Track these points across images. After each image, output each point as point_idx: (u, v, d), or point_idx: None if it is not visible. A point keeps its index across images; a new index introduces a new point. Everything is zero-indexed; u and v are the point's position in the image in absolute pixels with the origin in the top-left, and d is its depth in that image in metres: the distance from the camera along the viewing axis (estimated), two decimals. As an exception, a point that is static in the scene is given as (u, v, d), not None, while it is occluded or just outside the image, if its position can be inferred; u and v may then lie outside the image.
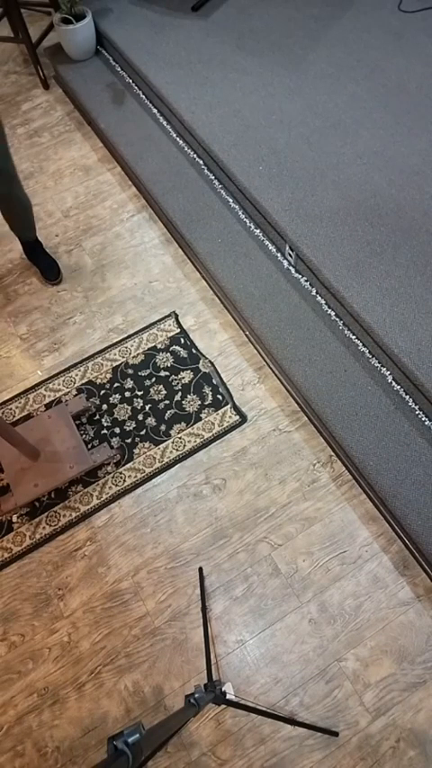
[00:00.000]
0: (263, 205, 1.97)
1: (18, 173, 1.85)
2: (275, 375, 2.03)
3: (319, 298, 1.95)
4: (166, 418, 1.99)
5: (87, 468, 1.86)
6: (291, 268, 2.03)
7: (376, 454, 1.66)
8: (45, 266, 2.30)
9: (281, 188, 1.99)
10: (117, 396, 2.05)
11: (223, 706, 1.47)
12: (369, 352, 1.82)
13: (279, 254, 2.06)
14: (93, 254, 2.39)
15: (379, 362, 1.79)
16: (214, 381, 2.05)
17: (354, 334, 1.86)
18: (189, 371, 2.08)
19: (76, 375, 2.11)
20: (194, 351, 2.12)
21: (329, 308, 1.92)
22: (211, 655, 1.54)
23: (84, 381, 2.10)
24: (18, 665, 1.64)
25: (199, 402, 2.01)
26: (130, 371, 2.10)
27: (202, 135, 2.18)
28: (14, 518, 1.85)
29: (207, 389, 2.04)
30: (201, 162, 2.33)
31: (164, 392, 2.04)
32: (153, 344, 2.14)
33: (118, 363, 2.12)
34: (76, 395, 2.06)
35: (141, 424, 1.99)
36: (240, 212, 2.18)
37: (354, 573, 1.69)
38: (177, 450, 1.93)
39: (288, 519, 1.78)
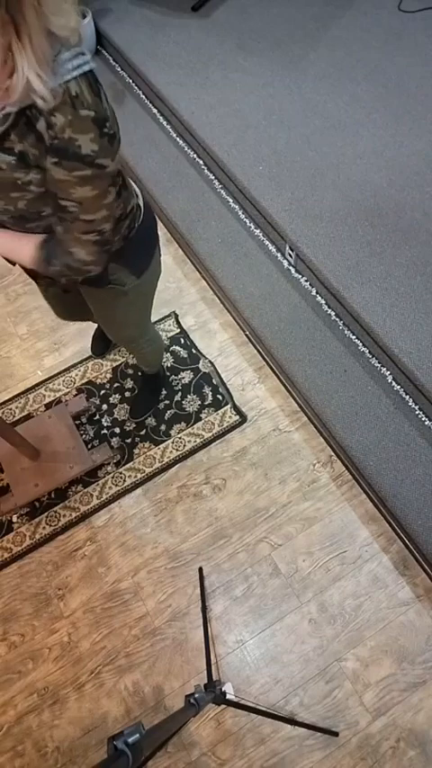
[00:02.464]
0: (263, 205, 1.97)
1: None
2: (275, 375, 2.03)
3: (319, 298, 1.95)
4: (166, 418, 1.99)
5: (87, 469, 1.86)
6: (291, 268, 2.03)
7: (376, 454, 1.66)
8: (138, 401, 2.01)
9: (281, 188, 1.99)
10: (117, 396, 2.05)
11: (223, 706, 1.47)
12: (369, 352, 1.82)
13: (279, 254, 2.06)
14: (93, 254, 2.39)
15: (379, 362, 1.79)
16: (214, 381, 2.05)
17: (354, 334, 1.86)
18: (189, 371, 2.08)
19: (76, 375, 2.11)
20: (194, 351, 2.12)
21: (329, 308, 1.92)
22: (211, 655, 1.54)
23: (84, 381, 2.09)
24: (18, 665, 1.64)
25: (199, 402, 2.01)
26: (130, 371, 2.10)
27: (202, 135, 2.18)
28: (14, 518, 1.85)
29: (207, 389, 2.04)
30: (201, 162, 2.33)
31: (164, 392, 2.04)
32: (153, 344, 2.14)
33: (118, 363, 2.12)
34: (76, 395, 2.06)
35: (141, 424, 1.98)
36: (240, 212, 2.18)
37: (354, 573, 1.69)
38: (177, 450, 1.93)
39: (288, 519, 1.78)
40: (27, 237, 0.98)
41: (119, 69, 2.73)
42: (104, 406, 2.03)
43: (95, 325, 2.16)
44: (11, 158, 0.80)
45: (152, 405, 2.00)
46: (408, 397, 1.73)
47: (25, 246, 0.98)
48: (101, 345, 2.12)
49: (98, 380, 2.09)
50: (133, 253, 1.12)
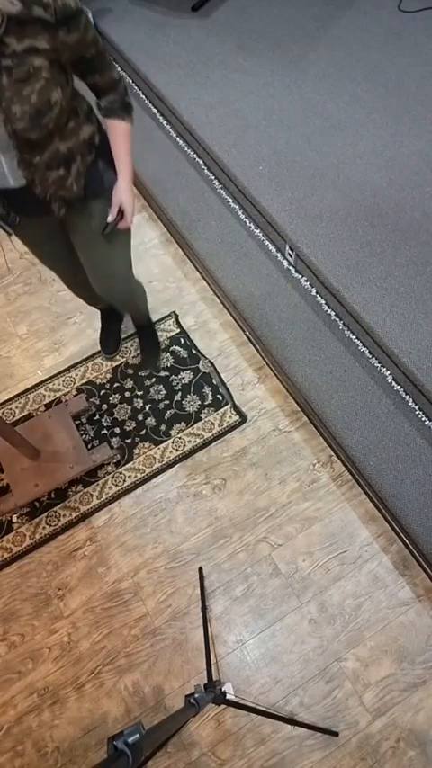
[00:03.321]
0: (263, 205, 1.97)
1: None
2: (275, 375, 2.03)
3: (319, 298, 1.95)
4: (166, 418, 1.99)
5: (87, 469, 1.86)
6: (291, 268, 2.03)
7: (376, 454, 1.66)
8: (146, 350, 2.09)
9: (281, 188, 1.99)
10: (117, 396, 2.05)
11: (223, 706, 1.47)
12: (369, 352, 1.82)
13: (279, 254, 2.06)
14: (93, 254, 2.39)
15: (379, 362, 1.79)
16: (214, 381, 2.05)
17: (354, 334, 1.86)
18: (189, 371, 2.08)
19: (76, 375, 2.11)
20: (194, 351, 2.12)
21: (329, 308, 1.92)
22: (211, 655, 1.54)
23: (84, 381, 2.10)
24: (18, 665, 1.64)
25: (199, 402, 2.01)
26: (130, 371, 2.10)
27: (202, 135, 2.18)
28: (14, 518, 1.85)
29: (207, 389, 2.04)
30: (201, 162, 2.33)
31: (164, 392, 2.04)
32: (153, 344, 2.14)
33: (118, 363, 2.12)
34: (76, 395, 2.06)
35: (141, 424, 1.99)
36: (240, 212, 2.18)
37: (354, 573, 1.69)
38: (177, 450, 1.93)
39: (288, 519, 1.78)
40: (114, 140, 1.29)
41: (118, 69, 2.73)
42: (104, 406, 2.03)
43: (97, 326, 2.17)
44: (15, 59, 0.99)
45: (158, 350, 2.10)
46: (408, 397, 1.73)
47: (121, 136, 1.30)
48: (111, 344, 2.12)
49: (98, 380, 2.09)
50: (110, 156, 1.33)
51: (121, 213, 1.31)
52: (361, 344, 1.84)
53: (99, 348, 2.13)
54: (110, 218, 1.30)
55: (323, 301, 1.94)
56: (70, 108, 1.15)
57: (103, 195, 1.32)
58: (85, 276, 1.62)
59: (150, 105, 2.56)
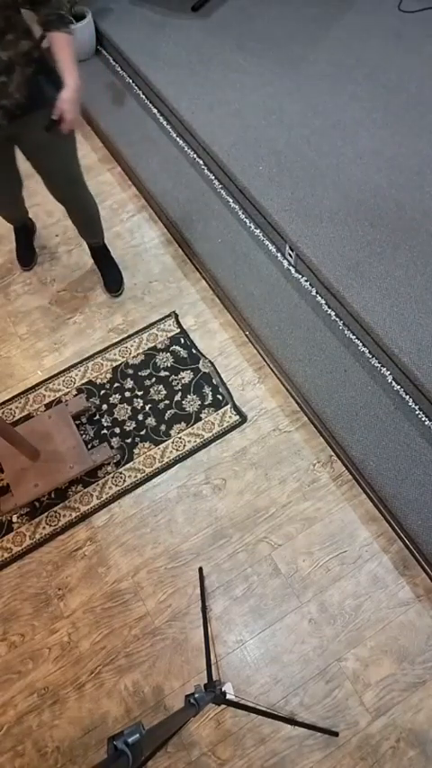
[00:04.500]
0: (263, 205, 1.97)
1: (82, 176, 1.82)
2: (275, 375, 2.03)
3: (319, 298, 1.95)
4: (166, 418, 1.99)
5: (87, 468, 1.85)
6: (291, 268, 2.03)
7: (376, 454, 1.66)
8: (108, 276, 2.25)
9: (281, 188, 1.99)
10: (117, 396, 2.05)
11: (223, 706, 1.47)
12: (369, 352, 1.82)
13: (279, 254, 2.06)
14: (93, 254, 2.39)
15: (379, 362, 1.79)
16: (214, 381, 2.05)
17: (354, 334, 1.86)
18: (189, 371, 2.08)
19: (76, 375, 2.11)
20: (194, 351, 2.12)
21: (329, 308, 1.92)
22: (211, 655, 1.54)
23: (84, 381, 2.10)
24: (18, 665, 1.64)
25: (199, 402, 2.01)
26: (130, 371, 2.10)
27: (202, 135, 2.18)
28: (14, 518, 1.85)
29: (207, 389, 2.04)
30: (201, 162, 2.33)
31: (164, 392, 2.04)
32: (153, 344, 2.14)
33: (118, 363, 2.12)
34: (76, 395, 2.05)
35: (141, 424, 1.99)
36: (240, 212, 2.18)
37: (354, 573, 1.69)
38: (177, 450, 1.93)
39: (288, 519, 1.78)
40: (57, 51, 1.40)
41: (119, 69, 2.73)
42: (104, 406, 2.03)
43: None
44: None
45: (119, 271, 2.26)
46: (408, 397, 1.73)
47: (60, 46, 1.39)
48: (28, 255, 2.31)
49: (98, 380, 2.09)
50: (54, 71, 1.46)
51: (62, 117, 1.44)
52: (361, 344, 1.84)
53: (18, 263, 2.32)
54: (54, 117, 1.43)
55: (323, 301, 1.94)
56: (6, 20, 1.30)
57: (45, 107, 1.45)
58: (10, 194, 1.86)
59: (150, 105, 2.56)
